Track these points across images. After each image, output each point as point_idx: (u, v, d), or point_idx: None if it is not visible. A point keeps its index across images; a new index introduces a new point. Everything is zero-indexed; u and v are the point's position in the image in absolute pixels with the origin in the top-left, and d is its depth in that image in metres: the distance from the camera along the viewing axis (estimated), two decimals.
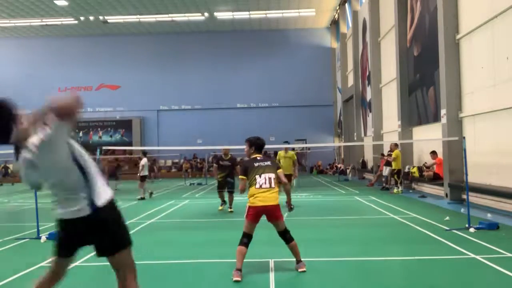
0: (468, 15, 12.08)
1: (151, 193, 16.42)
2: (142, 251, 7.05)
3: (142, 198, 15.43)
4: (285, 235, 5.57)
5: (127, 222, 10.69)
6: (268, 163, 5.72)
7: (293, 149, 12.89)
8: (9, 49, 34.80)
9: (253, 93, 33.84)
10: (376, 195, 14.78)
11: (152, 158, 32.36)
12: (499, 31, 10.50)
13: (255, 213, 5.47)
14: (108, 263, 3.34)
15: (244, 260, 5.33)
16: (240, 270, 5.32)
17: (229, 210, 11.56)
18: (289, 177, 12.13)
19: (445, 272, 5.52)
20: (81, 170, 3.02)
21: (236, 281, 5.19)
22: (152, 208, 12.80)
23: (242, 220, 5.67)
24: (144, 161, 15.89)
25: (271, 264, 5.92)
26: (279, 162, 12.21)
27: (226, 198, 11.95)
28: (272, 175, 5.59)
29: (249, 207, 5.51)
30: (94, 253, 3.31)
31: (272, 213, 5.50)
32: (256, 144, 5.93)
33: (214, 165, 12.22)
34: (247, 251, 5.45)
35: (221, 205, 12.07)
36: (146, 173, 15.91)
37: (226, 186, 11.83)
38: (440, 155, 13.73)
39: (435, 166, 14.00)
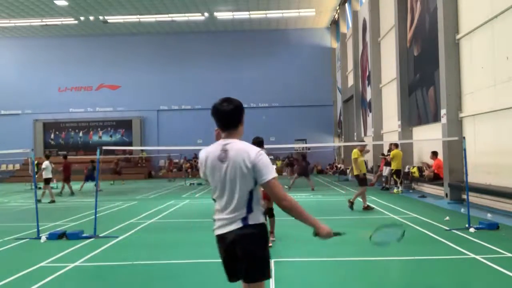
0: (468, 15, 12.08)
1: (38, 201, 15.36)
2: (142, 251, 7.06)
3: (53, 201, 15.31)
4: (271, 211, 7.37)
5: (127, 223, 10.66)
6: None
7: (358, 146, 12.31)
8: (9, 49, 34.80)
9: (253, 93, 33.81)
10: (376, 195, 14.76)
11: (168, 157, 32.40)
12: (499, 31, 10.50)
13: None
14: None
15: None
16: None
17: None
18: (364, 177, 11.65)
19: (445, 272, 5.52)
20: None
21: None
22: (152, 208, 12.81)
23: None
24: (45, 163, 15.78)
25: (271, 265, 5.91)
26: (355, 163, 11.55)
27: None
28: None
29: None
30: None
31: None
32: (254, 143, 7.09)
33: None
34: (272, 220, 7.37)
35: None
36: (49, 175, 15.80)
37: None
38: (440, 155, 13.72)
39: (432, 168, 14.04)
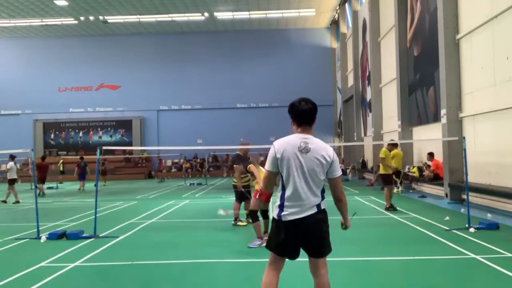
0: (468, 15, 12.08)
1: (4, 201, 15.56)
2: (142, 251, 7.07)
3: (17, 202, 15.21)
4: (266, 213, 7.59)
5: (127, 223, 10.62)
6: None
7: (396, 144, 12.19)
8: (9, 49, 34.81)
9: (253, 93, 33.84)
10: (376, 195, 14.76)
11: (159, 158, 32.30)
12: (499, 31, 10.50)
13: None
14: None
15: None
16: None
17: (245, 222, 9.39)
18: (387, 177, 11.40)
19: (445, 272, 5.52)
20: None
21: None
22: (152, 208, 12.81)
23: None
24: (10, 164, 15.75)
25: None
26: (383, 162, 11.33)
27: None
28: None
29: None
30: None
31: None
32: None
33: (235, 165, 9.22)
34: (266, 221, 7.53)
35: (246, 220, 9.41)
36: (14, 176, 15.79)
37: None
38: (438, 156, 13.71)
39: (431, 168, 14.02)
